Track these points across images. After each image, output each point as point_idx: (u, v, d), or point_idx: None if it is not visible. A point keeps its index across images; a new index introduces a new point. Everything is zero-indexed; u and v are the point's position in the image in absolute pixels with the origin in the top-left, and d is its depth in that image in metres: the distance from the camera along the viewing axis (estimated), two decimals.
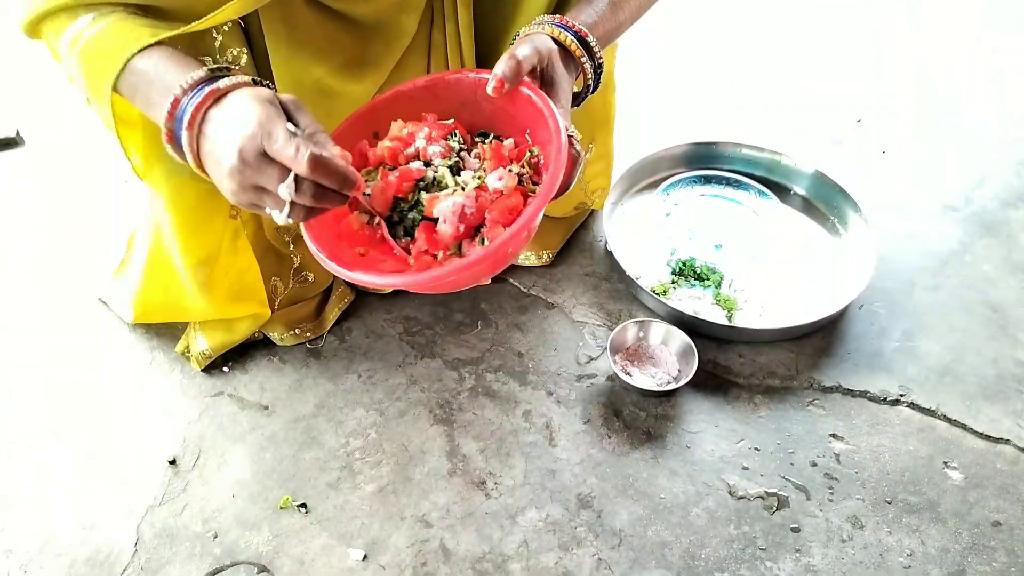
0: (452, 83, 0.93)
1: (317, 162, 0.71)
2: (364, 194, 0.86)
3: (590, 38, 0.92)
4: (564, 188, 0.87)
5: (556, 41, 0.90)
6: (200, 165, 0.78)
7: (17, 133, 1.65)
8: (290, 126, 0.72)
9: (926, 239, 1.48)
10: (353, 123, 0.93)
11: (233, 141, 0.72)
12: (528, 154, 0.89)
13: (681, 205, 1.47)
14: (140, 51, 0.78)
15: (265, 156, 0.72)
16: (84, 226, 1.45)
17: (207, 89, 0.75)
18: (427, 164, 0.89)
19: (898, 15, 2.14)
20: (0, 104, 1.72)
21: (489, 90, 0.84)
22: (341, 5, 0.96)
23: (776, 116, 1.77)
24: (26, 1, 0.83)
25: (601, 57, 0.94)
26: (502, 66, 0.83)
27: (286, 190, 0.73)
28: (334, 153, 0.75)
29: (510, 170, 0.87)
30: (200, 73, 0.77)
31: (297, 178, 0.72)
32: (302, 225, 0.84)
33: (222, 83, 0.76)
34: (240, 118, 0.73)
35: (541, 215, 0.82)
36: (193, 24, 0.81)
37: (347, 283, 1.32)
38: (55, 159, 1.62)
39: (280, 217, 0.75)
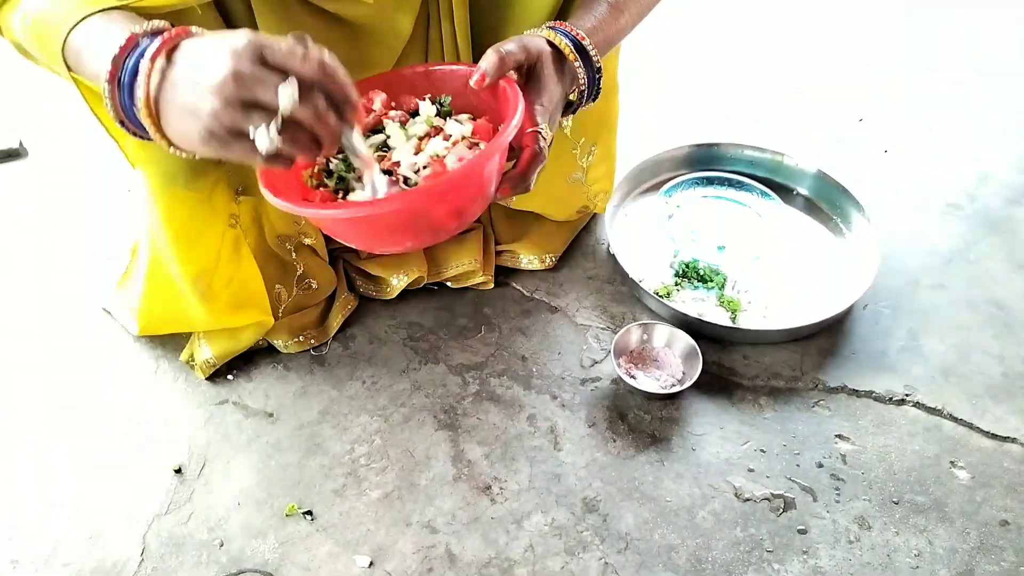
0: (447, 73, 0.95)
1: (327, 66, 0.64)
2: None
3: (587, 43, 0.92)
4: (519, 181, 0.87)
5: (551, 44, 0.90)
6: (153, 109, 0.67)
7: (20, 144, 1.66)
8: (293, 35, 0.65)
9: (930, 238, 1.48)
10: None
11: (222, 55, 0.62)
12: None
13: (683, 207, 1.47)
14: (82, 20, 0.71)
15: (263, 64, 0.63)
16: (87, 236, 1.45)
17: (178, 27, 0.67)
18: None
19: (899, 13, 2.14)
20: (3, 115, 1.73)
21: (471, 82, 0.86)
22: (337, 7, 0.96)
23: (778, 116, 1.77)
24: None
25: (599, 63, 0.94)
26: (485, 61, 0.85)
27: (288, 95, 0.63)
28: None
29: (463, 136, 0.88)
30: (160, 23, 0.69)
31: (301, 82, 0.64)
32: (258, 174, 0.81)
33: (195, 29, 0.68)
34: (226, 36, 0.64)
35: (493, 166, 0.82)
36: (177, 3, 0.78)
37: (351, 289, 1.33)
38: (58, 170, 1.62)
39: (265, 140, 0.64)
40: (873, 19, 2.12)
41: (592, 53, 0.92)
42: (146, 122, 0.68)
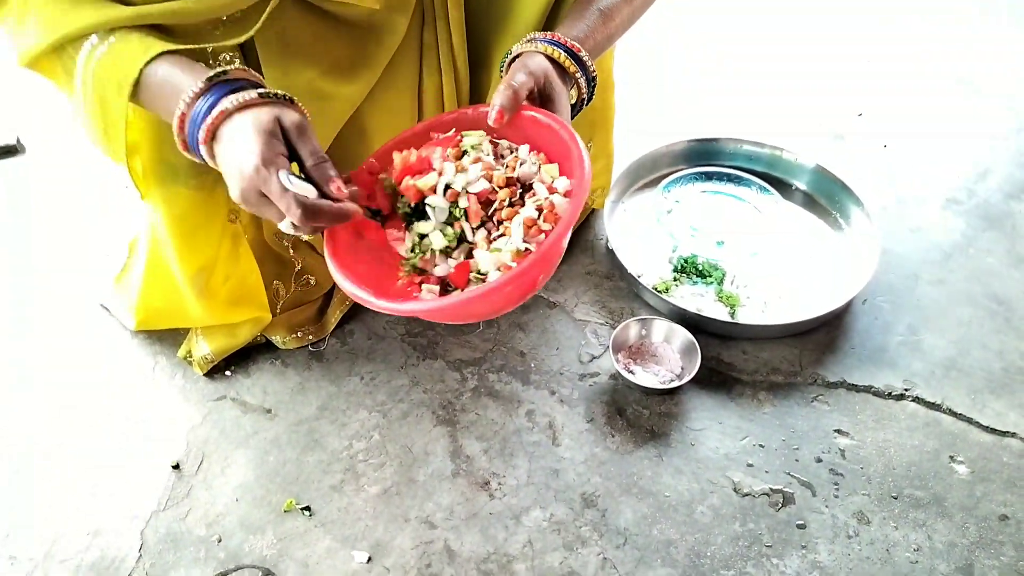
0: (450, 121, 0.95)
1: (308, 212, 0.77)
2: (372, 212, 0.90)
3: (582, 53, 0.93)
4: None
5: (550, 59, 0.92)
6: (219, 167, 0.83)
7: (18, 140, 1.65)
8: (283, 176, 0.77)
9: (929, 233, 1.47)
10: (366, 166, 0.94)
11: (237, 176, 0.78)
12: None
13: (682, 202, 1.47)
14: (152, 60, 0.81)
15: (263, 195, 0.78)
16: (85, 233, 1.45)
17: (216, 111, 0.79)
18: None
19: (899, 8, 2.13)
20: (0, 112, 1.73)
21: (490, 121, 0.86)
22: (330, 5, 0.95)
23: (776, 111, 1.77)
24: (22, 43, 0.85)
25: (594, 70, 0.96)
26: (500, 97, 0.86)
27: (288, 226, 0.80)
28: (331, 190, 0.80)
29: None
30: (200, 85, 0.80)
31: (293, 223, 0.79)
32: (327, 254, 0.87)
33: (230, 103, 0.79)
34: (242, 152, 0.77)
35: (567, 239, 0.83)
36: (200, 45, 0.86)
37: None
38: (55, 167, 1.62)
39: (287, 229, 0.81)
40: (872, 14, 2.12)
41: (587, 61, 0.94)
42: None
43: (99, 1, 0.83)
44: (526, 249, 0.82)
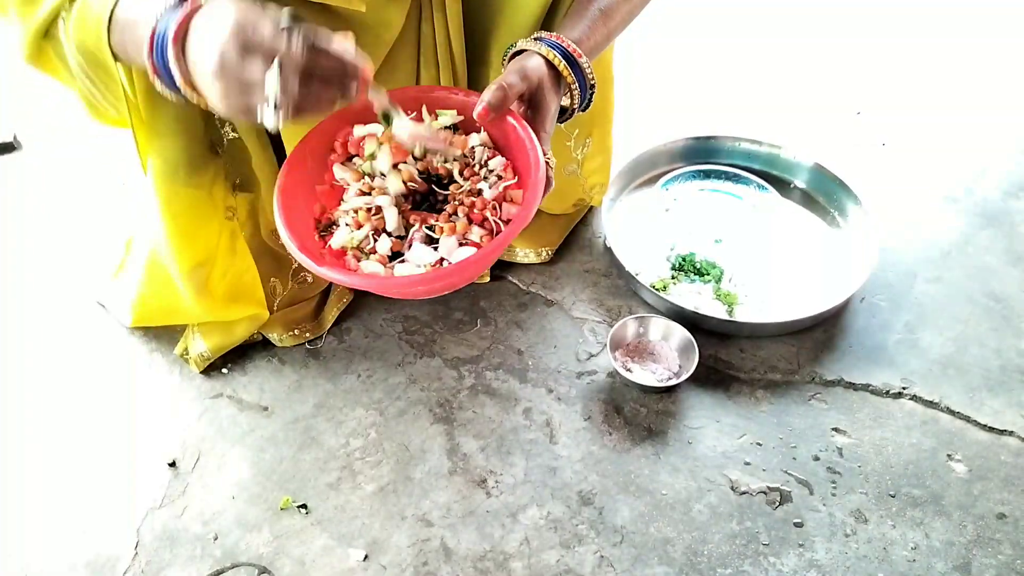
0: (441, 97, 0.95)
1: (314, 46, 0.68)
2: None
3: (583, 60, 0.93)
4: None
5: (549, 63, 0.91)
6: (192, 86, 0.74)
7: (14, 137, 1.65)
8: (283, 16, 0.68)
9: (927, 231, 1.47)
10: (335, 116, 0.93)
11: (212, 41, 0.68)
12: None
13: (680, 200, 1.47)
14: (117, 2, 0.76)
15: (249, 48, 0.67)
16: (81, 230, 1.45)
17: (188, 3, 0.72)
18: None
19: (897, 7, 2.13)
20: None
21: (475, 115, 0.87)
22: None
23: (774, 109, 1.77)
24: (21, 29, 0.84)
25: (593, 79, 0.95)
26: (489, 94, 0.86)
27: (272, 82, 0.67)
28: (335, 37, 0.71)
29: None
30: (168, 1, 0.72)
31: (283, 68, 0.67)
32: (277, 215, 0.84)
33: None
34: (219, 17, 0.68)
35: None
36: None
37: None
38: (52, 163, 1.61)
39: (269, 116, 0.69)
40: (871, 12, 2.11)
41: (586, 67, 0.94)
42: (193, 98, 0.75)
43: None
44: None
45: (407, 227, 0.88)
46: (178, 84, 0.74)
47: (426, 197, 0.92)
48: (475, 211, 0.87)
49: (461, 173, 0.90)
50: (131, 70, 0.86)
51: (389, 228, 0.87)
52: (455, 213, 0.87)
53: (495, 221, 0.87)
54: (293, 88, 0.68)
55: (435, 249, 0.85)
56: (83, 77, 0.88)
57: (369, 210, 0.88)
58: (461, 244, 0.85)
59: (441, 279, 0.83)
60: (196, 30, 0.71)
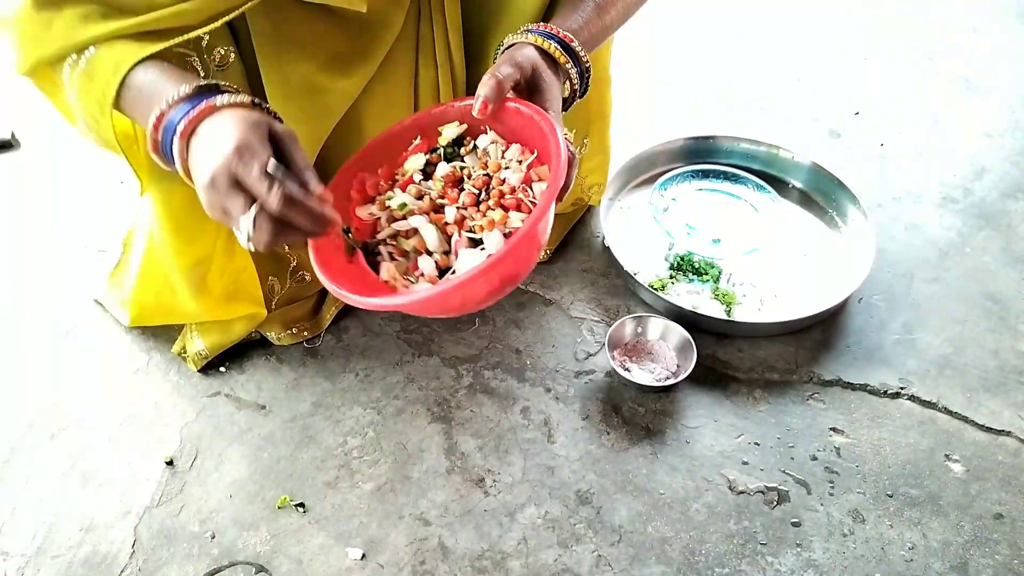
0: (438, 115, 0.94)
1: (290, 200, 0.72)
2: (345, 229, 0.87)
3: (575, 44, 0.93)
4: (565, 189, 0.87)
5: (541, 50, 0.91)
6: (188, 175, 0.79)
7: (12, 135, 1.65)
8: (271, 163, 0.72)
9: (925, 231, 1.47)
10: (346, 170, 0.93)
11: (209, 160, 0.73)
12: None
13: (679, 200, 1.47)
14: (136, 65, 0.80)
15: (236, 183, 0.73)
16: (79, 228, 1.44)
17: (203, 103, 0.76)
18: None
19: (895, 7, 2.13)
20: None
21: (475, 112, 0.86)
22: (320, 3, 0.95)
23: (773, 109, 1.77)
24: (22, 52, 0.85)
25: (588, 62, 0.95)
26: (484, 88, 0.86)
27: (247, 223, 0.73)
28: (316, 191, 0.76)
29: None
30: (187, 89, 0.77)
31: (259, 214, 0.73)
32: (310, 248, 0.85)
33: (219, 100, 0.77)
34: (222, 137, 0.73)
35: (549, 224, 0.83)
36: (183, 36, 0.84)
37: None
38: (50, 162, 1.61)
39: (242, 240, 0.75)
40: (870, 12, 2.11)
41: (580, 52, 0.94)
42: (187, 181, 0.80)
43: (79, 18, 0.81)
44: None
45: (448, 240, 0.87)
46: (177, 168, 0.79)
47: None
48: (506, 198, 0.86)
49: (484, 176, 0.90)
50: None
51: (431, 247, 0.86)
52: (488, 208, 0.86)
53: (530, 202, 0.85)
54: (263, 232, 0.74)
55: (482, 250, 0.84)
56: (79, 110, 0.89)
57: (407, 234, 0.88)
58: (506, 236, 0.83)
59: (497, 268, 0.78)
60: (200, 137, 0.76)
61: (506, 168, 0.88)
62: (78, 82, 0.83)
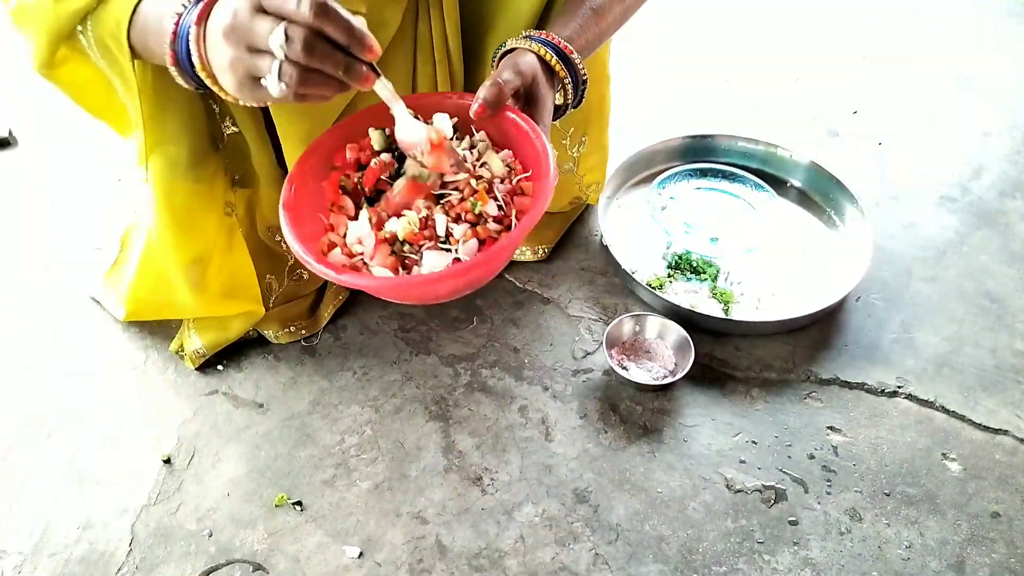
0: (435, 102, 0.94)
1: (323, 8, 0.65)
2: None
3: (574, 56, 0.93)
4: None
5: (541, 59, 0.91)
6: (208, 70, 0.73)
7: (10, 133, 1.65)
8: None
9: (923, 230, 1.47)
10: (336, 130, 0.93)
11: (226, 9, 0.67)
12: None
13: (677, 199, 1.47)
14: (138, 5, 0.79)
15: (259, 10, 0.66)
16: (77, 225, 1.44)
17: None
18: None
19: (894, 6, 2.13)
20: None
21: (471, 113, 0.86)
22: None
23: (771, 108, 1.77)
24: (38, 40, 0.86)
25: (585, 75, 0.95)
26: (484, 91, 0.85)
27: (277, 40, 0.65)
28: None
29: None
30: None
31: (289, 26, 0.66)
32: (281, 208, 0.83)
33: None
34: None
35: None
36: None
37: None
38: (48, 159, 1.61)
39: (273, 82, 0.67)
40: (868, 11, 2.12)
41: (577, 64, 0.94)
42: (208, 82, 0.74)
43: None
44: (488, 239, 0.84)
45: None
46: (196, 68, 0.73)
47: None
48: (488, 192, 0.85)
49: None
50: (143, 68, 0.88)
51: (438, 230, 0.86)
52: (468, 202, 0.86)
53: (510, 213, 0.86)
54: (297, 47, 0.66)
55: (448, 251, 0.84)
56: (106, 69, 0.90)
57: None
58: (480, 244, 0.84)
59: (464, 273, 0.80)
60: (218, 6, 0.70)
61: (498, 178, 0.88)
62: (95, 40, 0.84)
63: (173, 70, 0.77)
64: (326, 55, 0.67)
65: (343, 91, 0.72)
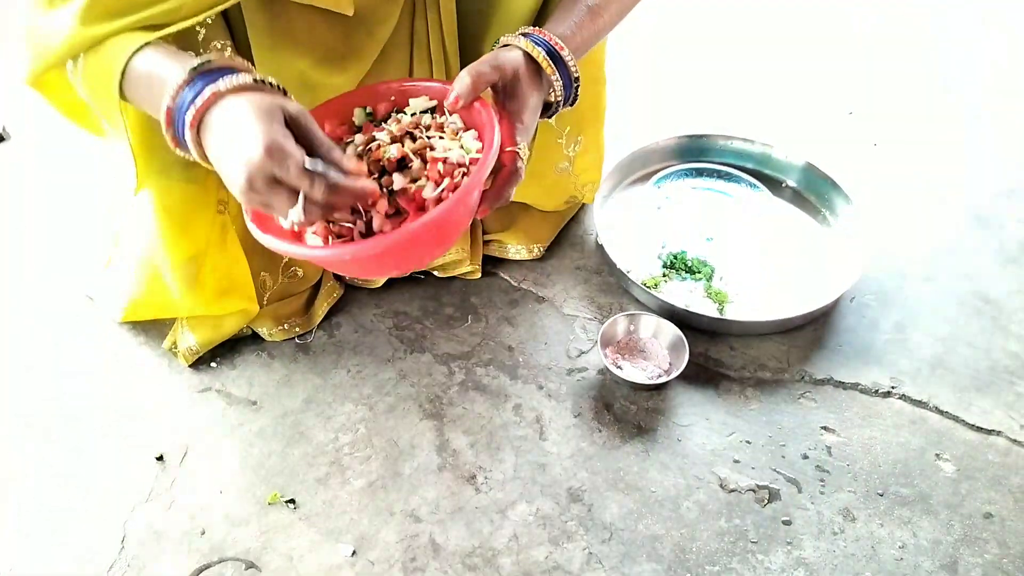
0: (422, 89, 0.95)
1: (334, 191, 0.74)
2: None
3: (565, 52, 0.93)
4: (495, 200, 0.90)
5: (528, 55, 0.91)
6: (208, 162, 0.79)
7: (3, 128, 1.64)
8: (307, 161, 0.72)
9: (918, 231, 1.47)
10: (322, 108, 0.93)
11: (239, 163, 0.72)
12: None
13: (672, 198, 1.47)
14: (136, 52, 0.79)
15: (276, 181, 0.72)
16: (71, 223, 1.44)
17: (207, 91, 0.74)
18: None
19: (891, 7, 2.14)
20: None
21: (446, 105, 0.87)
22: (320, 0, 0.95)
23: (767, 108, 1.77)
24: (32, 61, 0.86)
25: (577, 72, 0.95)
26: (459, 84, 0.86)
27: (296, 214, 0.74)
28: (352, 168, 0.76)
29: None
30: (184, 75, 0.76)
31: (307, 203, 0.74)
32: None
33: (221, 84, 0.74)
34: (243, 137, 0.72)
35: (474, 199, 0.85)
36: (179, 24, 0.83)
37: (336, 278, 1.32)
38: (41, 156, 1.60)
39: (286, 225, 0.77)
40: (864, 13, 2.12)
41: (569, 61, 0.93)
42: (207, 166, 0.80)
43: (79, 20, 0.81)
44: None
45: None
46: (195, 157, 0.79)
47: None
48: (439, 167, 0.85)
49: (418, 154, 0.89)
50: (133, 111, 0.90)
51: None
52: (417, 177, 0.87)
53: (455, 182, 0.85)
54: (313, 216, 0.75)
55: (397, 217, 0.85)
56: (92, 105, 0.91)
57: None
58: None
59: (407, 241, 0.79)
60: (215, 133, 0.75)
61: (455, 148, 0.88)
62: (83, 78, 0.84)
63: (173, 147, 0.81)
64: (335, 211, 0.78)
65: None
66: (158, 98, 0.77)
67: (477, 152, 0.87)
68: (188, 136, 0.76)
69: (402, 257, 0.89)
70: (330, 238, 0.85)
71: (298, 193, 0.73)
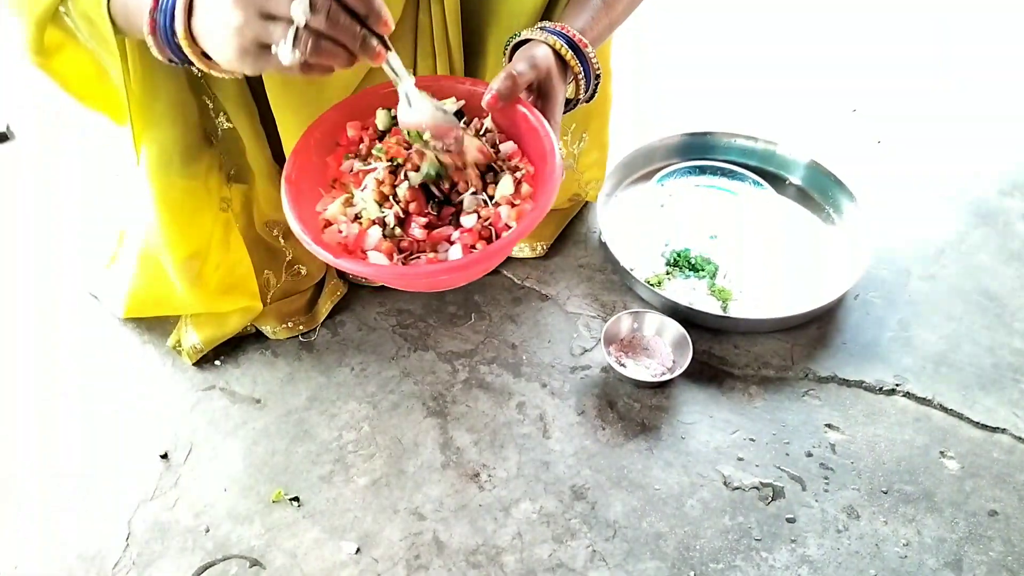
0: (447, 86, 0.93)
1: (335, 25, 0.66)
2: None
3: (588, 49, 0.92)
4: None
5: (555, 52, 0.90)
6: (192, 40, 0.72)
7: (7, 127, 1.64)
8: None
9: (922, 228, 1.47)
10: (342, 106, 0.93)
11: (226, 8, 0.66)
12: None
13: (676, 196, 1.46)
14: None
15: (267, 15, 0.66)
16: (74, 221, 1.44)
17: None
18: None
19: (894, 4, 2.13)
20: None
21: (484, 103, 0.85)
22: None
23: (771, 106, 1.76)
24: (29, 26, 0.83)
25: (599, 68, 0.94)
26: (499, 83, 0.84)
27: (300, 7, 0.64)
28: None
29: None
30: None
31: (303, 30, 0.65)
32: (283, 184, 0.83)
33: None
34: None
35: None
36: None
37: (340, 275, 1.32)
38: (45, 154, 1.61)
39: (286, 52, 0.66)
40: (868, 10, 2.11)
41: (591, 57, 0.93)
42: (188, 52, 0.72)
43: None
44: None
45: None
46: (178, 37, 0.71)
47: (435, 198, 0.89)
48: (488, 223, 0.85)
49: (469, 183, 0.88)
50: (128, 49, 0.86)
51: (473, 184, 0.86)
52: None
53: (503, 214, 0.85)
54: (321, 16, 0.65)
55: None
56: (95, 49, 0.88)
57: (391, 183, 0.87)
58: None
59: (463, 268, 0.81)
60: (200, 9, 0.69)
61: (500, 171, 0.87)
62: (78, 16, 0.81)
63: (150, 40, 0.74)
64: (346, 26, 0.67)
65: (351, 64, 0.71)
66: (140, 12, 0.73)
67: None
68: (179, 17, 0.70)
69: (455, 279, 0.89)
70: (394, 255, 0.84)
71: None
